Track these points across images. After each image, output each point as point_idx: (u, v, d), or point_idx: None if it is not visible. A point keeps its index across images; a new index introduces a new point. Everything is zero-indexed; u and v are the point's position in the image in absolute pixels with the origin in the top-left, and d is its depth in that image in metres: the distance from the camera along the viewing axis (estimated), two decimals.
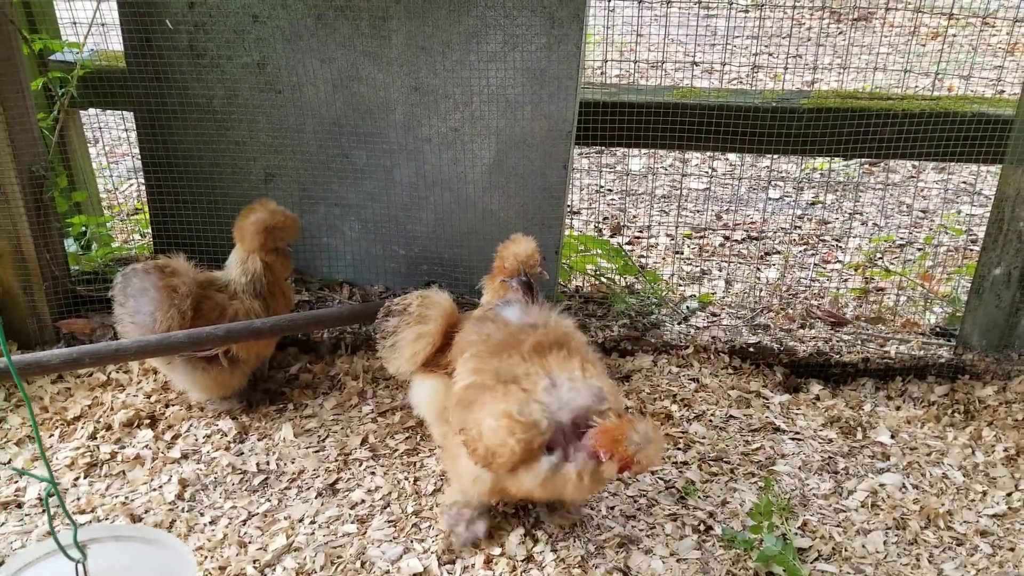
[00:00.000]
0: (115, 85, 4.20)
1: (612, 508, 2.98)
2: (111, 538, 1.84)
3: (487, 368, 2.66)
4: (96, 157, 5.81)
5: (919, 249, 5.33)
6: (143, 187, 4.33)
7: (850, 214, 5.97)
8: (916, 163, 6.75)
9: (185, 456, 3.29)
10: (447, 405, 3.04)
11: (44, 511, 2.95)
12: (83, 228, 4.48)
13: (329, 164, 4.07)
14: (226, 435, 3.40)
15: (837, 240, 5.57)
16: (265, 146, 4.09)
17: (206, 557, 2.76)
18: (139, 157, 4.30)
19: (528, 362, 2.62)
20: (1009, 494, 3.11)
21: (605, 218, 5.90)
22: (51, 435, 3.40)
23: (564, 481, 2.48)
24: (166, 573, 1.83)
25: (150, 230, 4.46)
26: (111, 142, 6.83)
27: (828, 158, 5.97)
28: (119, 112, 4.89)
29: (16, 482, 3.13)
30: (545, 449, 2.47)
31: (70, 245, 4.31)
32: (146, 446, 3.33)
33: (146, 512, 2.97)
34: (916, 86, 7.29)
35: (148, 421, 3.48)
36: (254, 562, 2.73)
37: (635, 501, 3.02)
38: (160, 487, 3.11)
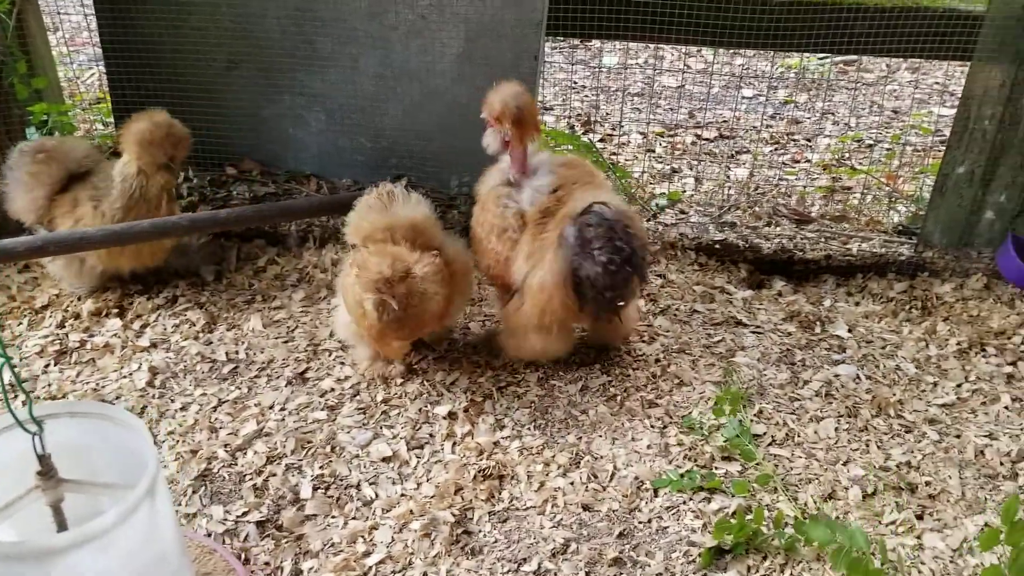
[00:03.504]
0: None
1: (572, 396, 3.06)
2: (67, 414, 1.86)
3: None
4: (56, 46, 5.63)
5: (887, 149, 5.36)
6: (105, 76, 4.23)
7: (822, 114, 5.97)
8: (889, 63, 6.72)
9: (154, 345, 3.31)
10: None
11: None
12: (45, 116, 4.37)
13: (293, 52, 3.98)
14: (194, 325, 3.41)
15: (808, 140, 5.58)
16: (227, 32, 3.98)
17: (178, 441, 2.82)
18: (100, 45, 4.18)
19: None
20: (959, 385, 3.23)
21: (577, 115, 5.85)
22: (19, 323, 3.40)
23: None
24: (124, 449, 1.86)
25: (112, 119, 4.37)
26: (71, 30, 6.61)
27: (800, 54, 5.92)
28: None
29: None
30: None
31: (32, 134, 4.21)
32: (115, 335, 3.34)
33: (117, 398, 3.01)
34: None
35: (116, 311, 3.49)
36: (225, 446, 2.79)
37: (605, 389, 3.10)
38: (130, 374, 3.14)
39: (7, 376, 2.03)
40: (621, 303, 2.87)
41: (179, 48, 4.04)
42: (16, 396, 2.98)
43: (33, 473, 1.78)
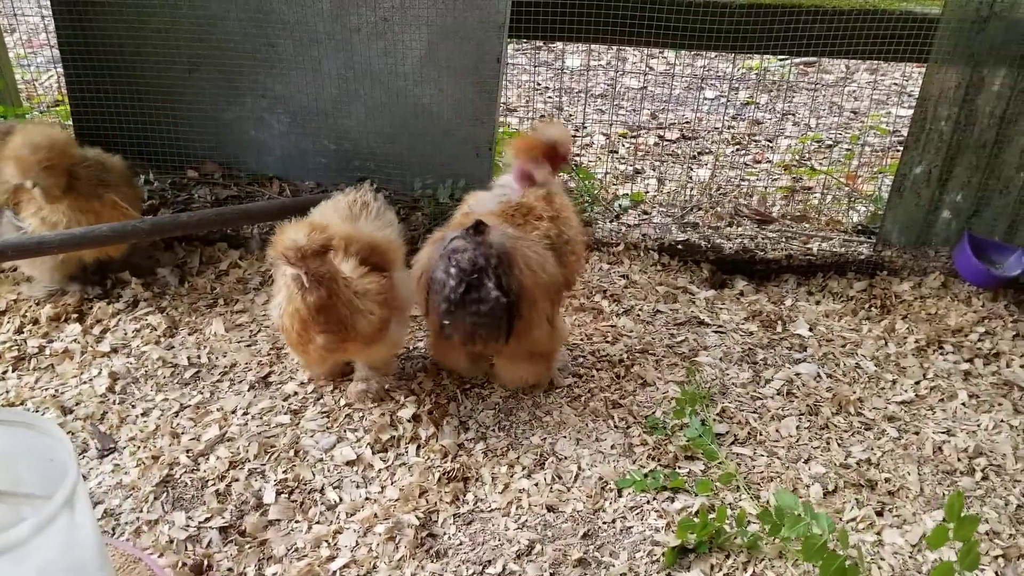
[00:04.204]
0: None
1: (536, 397, 3.07)
2: None
3: None
4: (13, 48, 5.54)
5: (847, 149, 5.43)
6: (63, 78, 4.17)
7: (782, 114, 6.03)
8: (848, 64, 6.81)
9: (115, 350, 3.27)
10: None
11: None
12: (1, 118, 4.31)
13: (255, 54, 3.95)
14: (156, 329, 3.38)
15: (769, 140, 5.64)
16: (188, 34, 3.94)
17: (139, 447, 2.79)
18: (58, 47, 4.12)
19: None
20: (917, 382, 3.28)
21: (541, 116, 5.86)
22: None
23: None
24: (48, 459, 1.83)
25: (71, 122, 4.31)
26: (28, 31, 6.51)
27: (760, 55, 5.98)
28: None
29: None
30: None
31: None
32: (75, 340, 3.30)
33: (77, 404, 2.97)
34: None
35: (76, 316, 3.44)
36: (187, 452, 2.76)
37: (569, 390, 3.11)
38: (90, 380, 3.10)
39: None
40: (446, 322, 2.73)
41: (139, 50, 4.00)
42: None
43: None
